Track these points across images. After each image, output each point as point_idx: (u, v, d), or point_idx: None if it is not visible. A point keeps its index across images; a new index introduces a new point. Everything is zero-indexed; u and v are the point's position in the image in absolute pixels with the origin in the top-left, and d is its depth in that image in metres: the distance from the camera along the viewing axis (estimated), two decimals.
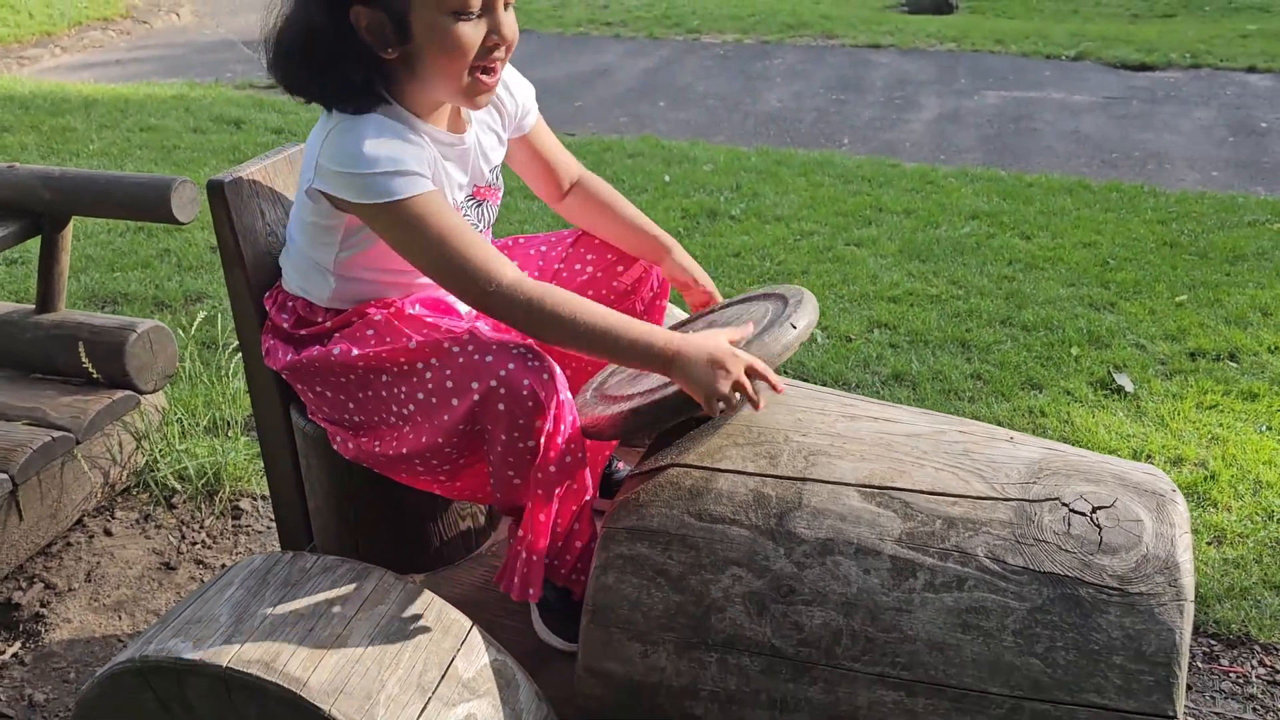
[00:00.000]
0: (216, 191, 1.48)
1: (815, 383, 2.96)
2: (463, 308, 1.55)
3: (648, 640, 1.29)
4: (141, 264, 3.69)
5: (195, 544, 2.35)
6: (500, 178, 1.58)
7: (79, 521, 2.37)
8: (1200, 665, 2.03)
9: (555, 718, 1.34)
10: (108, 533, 2.36)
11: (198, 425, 2.59)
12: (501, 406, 1.30)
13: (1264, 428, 2.72)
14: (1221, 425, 2.72)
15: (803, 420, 1.41)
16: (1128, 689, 1.14)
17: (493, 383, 1.29)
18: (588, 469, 1.43)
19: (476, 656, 1.28)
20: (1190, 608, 1.16)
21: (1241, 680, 1.98)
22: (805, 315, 1.39)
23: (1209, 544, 2.29)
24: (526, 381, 1.29)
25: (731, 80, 7.13)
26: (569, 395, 1.38)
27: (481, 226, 1.55)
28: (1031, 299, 3.49)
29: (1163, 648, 1.15)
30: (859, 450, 1.35)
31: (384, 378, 1.41)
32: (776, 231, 4.12)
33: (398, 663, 1.22)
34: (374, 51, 1.31)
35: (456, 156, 1.46)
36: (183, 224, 2.12)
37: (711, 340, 1.29)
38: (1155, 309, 3.42)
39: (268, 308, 1.57)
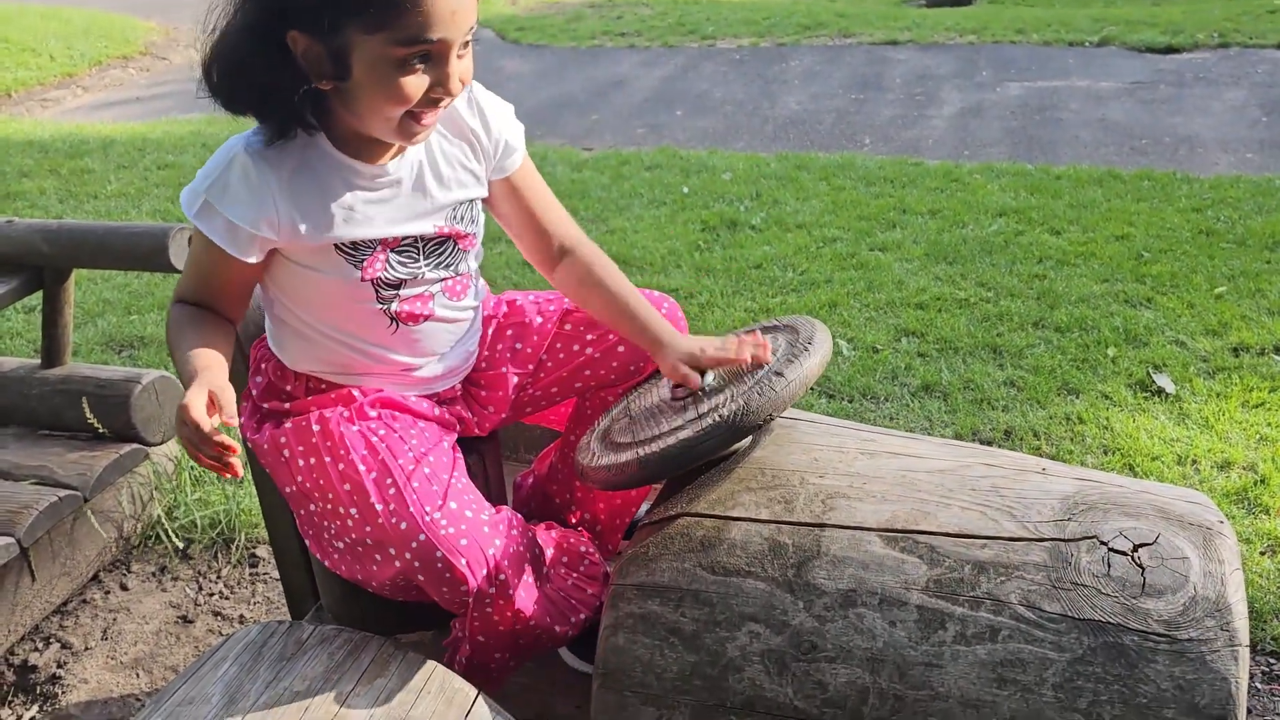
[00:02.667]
0: None
1: (842, 398, 2.87)
2: (422, 405, 1.45)
3: (663, 704, 1.22)
4: (158, 305, 3.67)
5: (212, 595, 2.31)
6: (475, 221, 1.44)
7: (95, 577, 2.33)
8: (1259, 686, 1.92)
9: None
10: (124, 587, 2.32)
11: (209, 473, 2.54)
12: (421, 578, 1.28)
13: None
14: (1270, 425, 2.60)
15: (819, 460, 1.33)
16: None
17: (407, 554, 1.27)
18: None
19: None
20: (1245, 654, 1.07)
21: None
22: (817, 351, 1.31)
23: (1262, 554, 2.18)
24: (439, 554, 1.26)
25: (749, 85, 7.05)
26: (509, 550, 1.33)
27: (428, 270, 1.38)
28: (1064, 298, 3.38)
29: (1217, 699, 1.05)
30: (880, 491, 1.26)
31: (311, 506, 1.38)
32: (798, 240, 4.03)
33: None
34: (308, 80, 1.22)
35: (381, 189, 1.32)
36: (180, 272, 2.07)
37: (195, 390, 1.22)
38: (1194, 303, 3.30)
39: (251, 358, 1.50)
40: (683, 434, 1.25)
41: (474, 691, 1.26)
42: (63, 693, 2.06)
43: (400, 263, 1.35)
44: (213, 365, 1.25)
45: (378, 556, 1.30)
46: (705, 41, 8.42)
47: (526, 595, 1.35)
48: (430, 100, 1.23)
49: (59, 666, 2.13)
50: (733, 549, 1.24)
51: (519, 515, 1.40)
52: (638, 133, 6.13)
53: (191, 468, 2.51)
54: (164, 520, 2.40)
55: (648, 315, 1.46)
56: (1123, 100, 6.06)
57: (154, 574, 2.36)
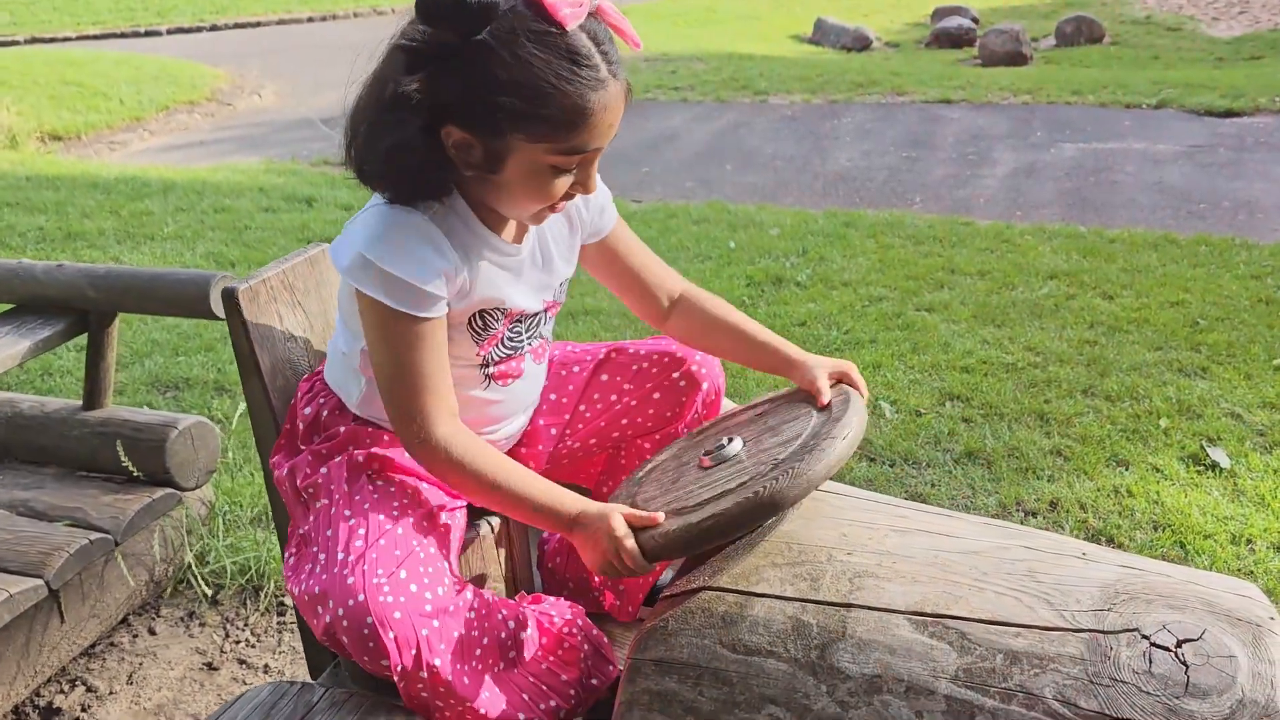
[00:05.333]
0: (231, 299, 1.43)
1: (883, 462, 2.81)
2: None
3: None
4: (204, 347, 3.72)
5: (239, 643, 2.29)
6: (565, 292, 1.49)
7: (124, 620, 2.34)
8: None
9: None
10: (151, 631, 2.32)
11: (243, 518, 2.55)
12: (345, 639, 1.22)
13: None
14: None
15: (848, 535, 1.28)
16: None
17: (340, 610, 1.22)
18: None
19: None
20: None
21: None
22: (847, 433, 1.27)
23: None
24: (369, 620, 1.20)
25: (800, 141, 7.06)
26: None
27: (529, 338, 1.44)
28: (1115, 365, 3.30)
29: None
30: (910, 571, 1.22)
31: (301, 528, 1.37)
32: (844, 298, 3.99)
33: None
34: (454, 164, 1.25)
35: (513, 267, 1.38)
36: (222, 319, 2.09)
37: (613, 513, 1.26)
38: (1251, 374, 3.20)
39: (299, 391, 1.49)
40: (714, 507, 1.22)
41: None
42: None
43: (510, 338, 1.41)
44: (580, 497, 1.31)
45: (319, 607, 1.25)
46: (758, 97, 8.47)
47: (472, 682, 1.28)
48: (567, 196, 1.29)
49: (83, 710, 2.12)
50: (755, 627, 1.19)
51: (485, 595, 1.34)
52: (687, 186, 6.16)
53: (225, 512, 2.52)
54: (194, 566, 2.40)
55: (774, 341, 1.51)
56: (1180, 164, 5.97)
57: (182, 619, 2.36)
